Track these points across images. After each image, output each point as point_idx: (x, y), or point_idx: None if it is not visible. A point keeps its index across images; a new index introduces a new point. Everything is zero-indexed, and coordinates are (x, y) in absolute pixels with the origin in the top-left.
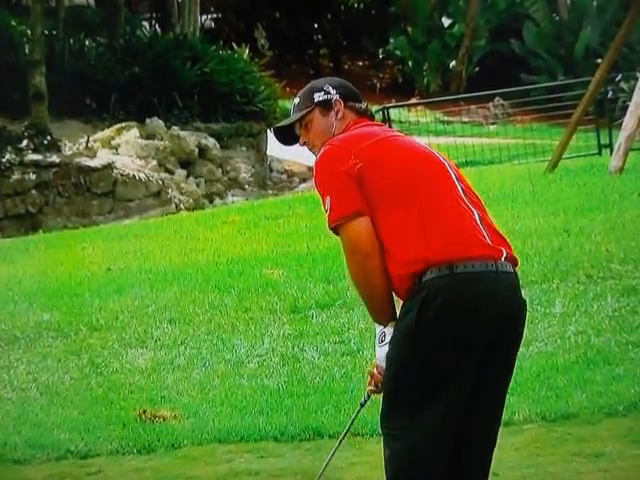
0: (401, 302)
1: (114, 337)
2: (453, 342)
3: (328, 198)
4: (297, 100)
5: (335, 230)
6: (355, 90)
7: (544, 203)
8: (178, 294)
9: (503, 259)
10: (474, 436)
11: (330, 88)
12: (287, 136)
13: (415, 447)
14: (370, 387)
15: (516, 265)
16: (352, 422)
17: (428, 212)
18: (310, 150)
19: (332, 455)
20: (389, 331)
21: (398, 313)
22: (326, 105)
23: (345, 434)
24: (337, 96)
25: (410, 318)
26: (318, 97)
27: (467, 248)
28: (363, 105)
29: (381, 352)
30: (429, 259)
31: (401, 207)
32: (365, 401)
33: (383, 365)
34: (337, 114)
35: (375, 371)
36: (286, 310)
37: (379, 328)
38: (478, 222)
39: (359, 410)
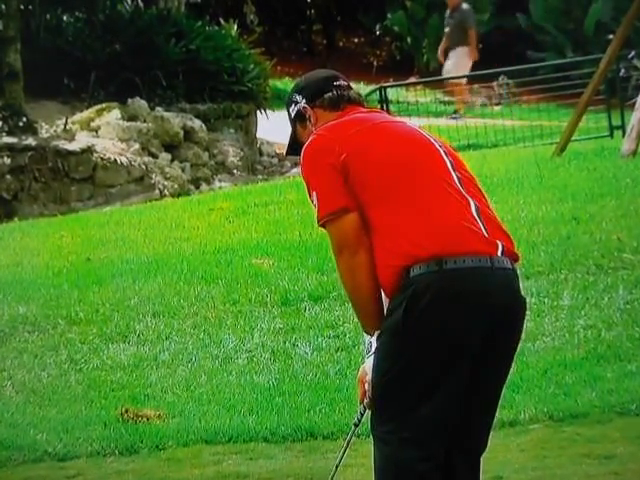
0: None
1: (94, 331)
2: (442, 340)
3: (314, 194)
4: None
5: (324, 227)
6: (322, 78)
7: (552, 188)
8: (162, 286)
9: (499, 254)
10: (465, 437)
11: (297, 96)
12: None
13: (406, 451)
14: (366, 400)
15: (516, 261)
16: (347, 445)
17: (417, 205)
18: None
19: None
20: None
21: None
22: (301, 117)
23: (341, 458)
24: (303, 102)
25: (397, 316)
26: (292, 112)
27: (458, 243)
28: (332, 93)
29: (370, 363)
30: (417, 254)
31: (389, 200)
32: (359, 420)
33: (369, 370)
34: (309, 120)
35: (366, 385)
36: (277, 302)
37: (367, 338)
38: (474, 214)
39: (354, 431)
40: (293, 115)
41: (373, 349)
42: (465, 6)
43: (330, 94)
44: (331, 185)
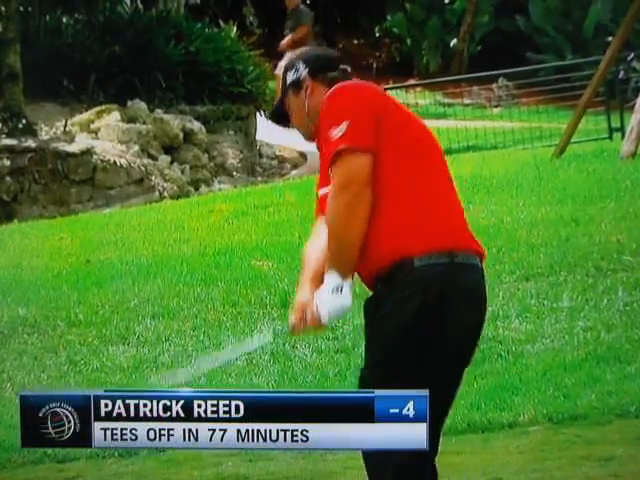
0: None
1: (94, 333)
2: (454, 333)
3: (344, 124)
4: (280, 83)
5: (335, 158)
6: (330, 56)
7: (551, 190)
8: (162, 287)
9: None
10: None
11: (300, 64)
12: (283, 117)
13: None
14: (297, 322)
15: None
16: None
17: (437, 190)
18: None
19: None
20: (348, 284)
21: (375, 298)
22: (297, 85)
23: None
24: (305, 72)
25: (409, 309)
26: (289, 78)
27: (465, 238)
28: (337, 73)
29: (335, 302)
30: (432, 242)
31: (411, 173)
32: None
33: (326, 316)
34: (306, 91)
35: (309, 315)
36: (276, 304)
37: (335, 278)
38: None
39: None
40: (289, 81)
41: (346, 291)
42: (302, 7)
43: (334, 74)
44: (365, 122)
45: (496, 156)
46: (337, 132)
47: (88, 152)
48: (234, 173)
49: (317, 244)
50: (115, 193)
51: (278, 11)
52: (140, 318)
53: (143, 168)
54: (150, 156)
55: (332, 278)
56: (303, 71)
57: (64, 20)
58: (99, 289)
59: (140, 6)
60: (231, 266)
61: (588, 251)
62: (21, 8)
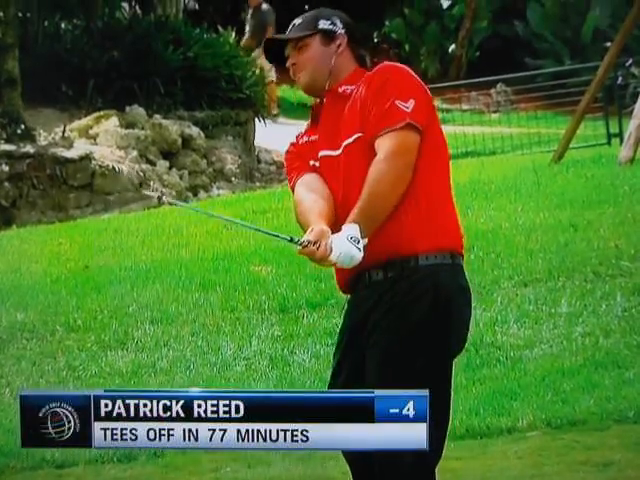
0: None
1: (92, 338)
2: (457, 332)
3: (412, 100)
4: (298, 21)
5: (400, 127)
6: (362, 36)
7: (549, 196)
8: (160, 292)
9: None
10: None
11: (338, 21)
12: (276, 53)
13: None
14: (310, 244)
15: None
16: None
17: (445, 189)
18: (293, 75)
19: None
20: (363, 242)
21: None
22: (329, 35)
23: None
24: (342, 31)
25: (422, 307)
26: (323, 24)
27: (462, 241)
28: (365, 52)
29: (349, 249)
30: (437, 242)
31: (430, 164)
32: (296, 241)
33: (335, 256)
34: (338, 48)
35: (322, 246)
36: (275, 310)
37: (357, 230)
38: None
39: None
40: (322, 27)
41: (359, 245)
42: (265, 6)
43: (363, 52)
44: (425, 107)
45: (495, 161)
46: (406, 104)
47: (87, 157)
48: (232, 179)
49: (318, 192)
50: (114, 198)
51: (277, 17)
52: (139, 323)
53: (142, 173)
54: (149, 161)
55: (354, 229)
56: (340, 28)
57: (63, 25)
58: (98, 294)
59: (139, 11)
60: (229, 271)
61: (586, 256)
62: (20, 13)
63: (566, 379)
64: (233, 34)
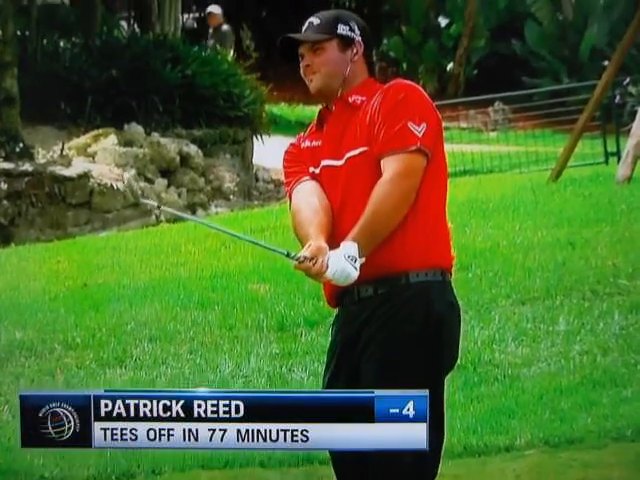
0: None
1: (91, 356)
2: (449, 350)
3: (424, 124)
4: (316, 21)
5: (410, 150)
6: (373, 45)
7: (547, 214)
8: (159, 311)
9: None
10: None
11: (356, 27)
12: (289, 51)
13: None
14: (307, 259)
15: None
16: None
17: (442, 207)
18: (305, 76)
19: None
20: (360, 261)
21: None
22: (346, 41)
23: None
24: (359, 38)
25: (416, 324)
26: (342, 29)
27: (452, 259)
28: (375, 63)
29: (345, 267)
30: (430, 259)
31: (432, 184)
32: (291, 255)
33: (331, 273)
34: (354, 56)
35: (319, 262)
36: (273, 328)
37: (355, 249)
38: None
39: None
40: (341, 32)
41: (355, 264)
42: (225, 27)
43: (373, 62)
44: (435, 132)
45: (492, 180)
46: (418, 129)
47: (85, 176)
48: (231, 197)
49: (318, 202)
50: (112, 216)
51: (275, 35)
52: (137, 341)
53: (140, 191)
54: (147, 180)
55: (352, 247)
56: (357, 35)
57: (61, 44)
58: (96, 312)
59: (137, 30)
60: (228, 289)
61: (584, 275)
62: (18, 31)
63: (564, 397)
64: (231, 52)
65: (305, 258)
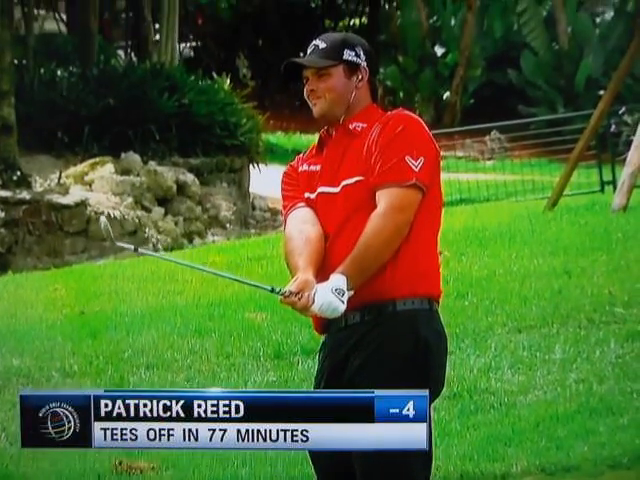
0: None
1: (88, 384)
2: (438, 374)
3: (421, 159)
4: (322, 44)
5: (406, 184)
6: (378, 68)
7: (543, 242)
8: (156, 338)
9: None
10: None
11: (361, 52)
12: (292, 72)
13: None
14: (292, 295)
15: None
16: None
17: (434, 236)
18: (309, 99)
19: None
20: (348, 294)
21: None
22: (352, 67)
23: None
24: (365, 64)
25: (404, 352)
26: (347, 55)
27: (440, 287)
28: (377, 87)
29: (332, 301)
30: (417, 288)
31: (426, 215)
32: (275, 291)
33: (317, 308)
34: (359, 82)
35: (304, 297)
36: (270, 356)
37: (343, 282)
38: None
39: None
40: (346, 57)
41: (342, 297)
42: None
43: (377, 87)
44: (433, 167)
45: (489, 208)
46: (415, 163)
47: (82, 204)
48: (227, 225)
49: (310, 231)
50: (109, 244)
51: (271, 63)
52: (134, 369)
53: (137, 220)
54: (144, 208)
55: (340, 281)
56: (363, 60)
57: (58, 73)
58: (93, 340)
59: (134, 59)
60: (225, 318)
61: (580, 303)
62: (16, 60)
63: (560, 425)
64: (228, 81)
65: (291, 293)
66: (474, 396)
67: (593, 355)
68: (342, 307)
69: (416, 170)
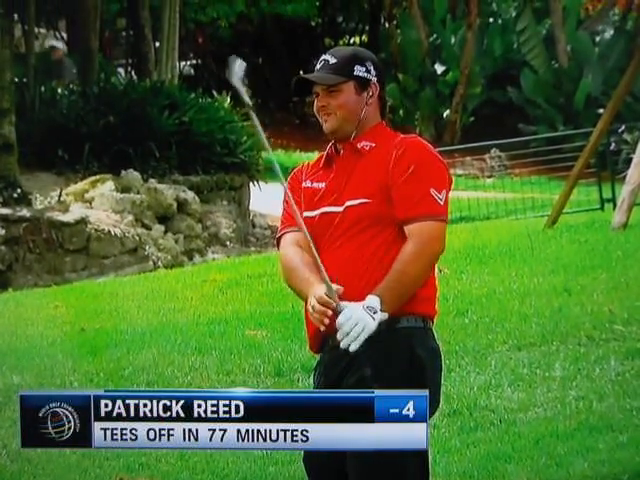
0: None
1: None
2: (435, 392)
3: (444, 192)
4: (332, 60)
5: (435, 218)
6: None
7: (543, 260)
8: (156, 356)
9: None
10: None
11: (372, 68)
12: (302, 88)
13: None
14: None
15: None
16: None
17: None
18: (319, 115)
19: None
20: (380, 316)
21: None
22: (362, 83)
23: None
24: (375, 79)
25: (399, 370)
26: (358, 71)
27: (435, 306)
28: (386, 103)
29: (363, 317)
30: (413, 306)
31: None
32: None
33: (346, 320)
34: (370, 98)
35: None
36: (270, 373)
37: (378, 304)
38: None
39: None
40: (357, 73)
41: (374, 316)
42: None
43: (387, 103)
44: (448, 197)
45: (489, 226)
46: (440, 196)
47: (82, 221)
48: (227, 243)
49: (310, 261)
50: (109, 262)
51: (271, 82)
52: (135, 386)
53: (137, 237)
54: (144, 226)
55: (376, 302)
56: (373, 76)
57: (59, 91)
58: (94, 357)
59: (134, 77)
60: (225, 335)
61: (580, 321)
62: (16, 79)
63: (560, 442)
64: (228, 99)
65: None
66: (474, 413)
67: (593, 373)
68: (372, 326)
69: (441, 204)
